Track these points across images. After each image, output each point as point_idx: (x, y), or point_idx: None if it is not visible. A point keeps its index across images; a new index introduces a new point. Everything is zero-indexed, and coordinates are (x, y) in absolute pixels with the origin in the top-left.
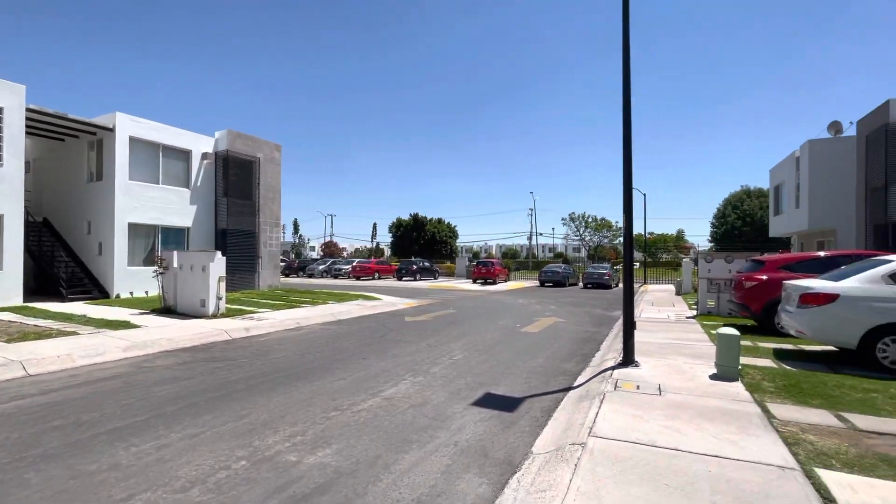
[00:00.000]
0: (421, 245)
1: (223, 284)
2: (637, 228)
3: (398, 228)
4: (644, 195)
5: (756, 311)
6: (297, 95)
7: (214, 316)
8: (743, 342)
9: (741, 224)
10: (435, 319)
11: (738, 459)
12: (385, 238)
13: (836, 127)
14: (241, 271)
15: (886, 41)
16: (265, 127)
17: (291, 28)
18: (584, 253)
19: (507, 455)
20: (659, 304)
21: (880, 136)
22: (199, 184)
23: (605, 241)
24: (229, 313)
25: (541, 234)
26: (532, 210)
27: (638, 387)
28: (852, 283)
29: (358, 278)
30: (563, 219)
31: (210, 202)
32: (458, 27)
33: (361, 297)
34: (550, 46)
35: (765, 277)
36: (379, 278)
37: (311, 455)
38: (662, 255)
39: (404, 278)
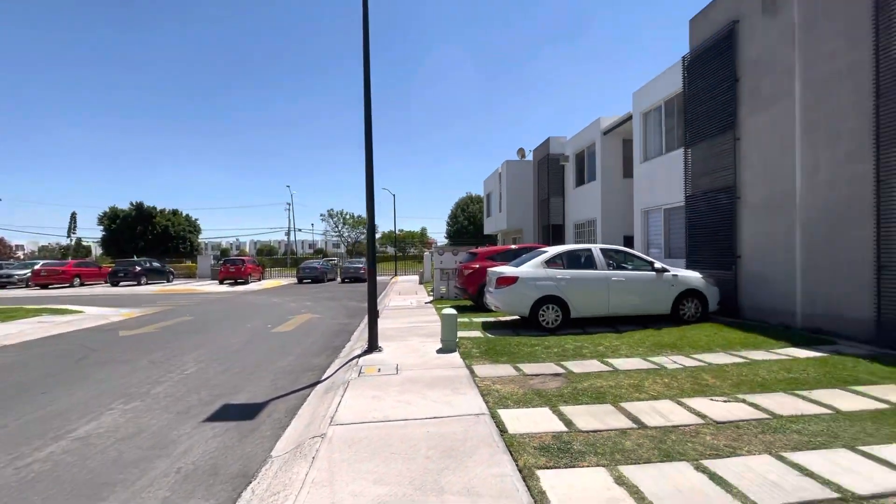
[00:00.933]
0: (149, 241)
1: None
2: (388, 226)
3: (113, 221)
4: (394, 196)
5: (472, 294)
6: None
7: None
8: (462, 319)
9: (468, 224)
10: (163, 330)
11: (449, 416)
12: (93, 233)
13: (521, 152)
14: None
15: (560, 89)
16: None
17: None
18: (343, 249)
19: (243, 467)
20: (405, 293)
21: (545, 163)
22: None
23: (363, 237)
24: None
25: (300, 230)
26: (290, 205)
27: (379, 370)
28: (526, 268)
29: (45, 287)
30: (321, 215)
31: None
32: (207, 7)
33: (48, 311)
34: (306, 45)
35: (477, 266)
36: (81, 285)
37: None
38: (410, 249)
39: (123, 283)
